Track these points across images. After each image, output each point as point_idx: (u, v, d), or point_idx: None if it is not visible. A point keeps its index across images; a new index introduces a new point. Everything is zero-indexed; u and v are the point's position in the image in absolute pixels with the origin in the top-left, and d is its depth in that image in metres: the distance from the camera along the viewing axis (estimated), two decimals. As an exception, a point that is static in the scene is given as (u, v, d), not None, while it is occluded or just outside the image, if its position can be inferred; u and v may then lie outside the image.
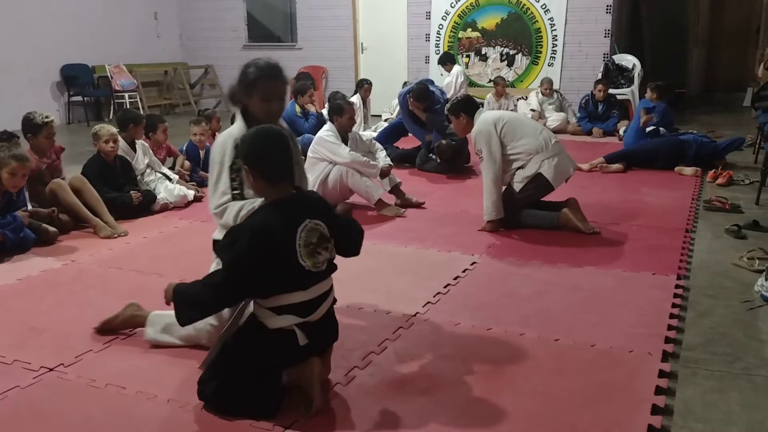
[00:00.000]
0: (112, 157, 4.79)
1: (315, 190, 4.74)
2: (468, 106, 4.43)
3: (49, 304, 3.23)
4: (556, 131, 7.61)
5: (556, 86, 9.50)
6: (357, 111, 8.12)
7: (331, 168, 4.75)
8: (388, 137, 7.01)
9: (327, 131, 4.82)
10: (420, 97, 6.35)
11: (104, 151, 4.75)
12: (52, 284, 3.52)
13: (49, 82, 10.02)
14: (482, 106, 5.32)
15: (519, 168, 4.25)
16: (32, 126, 4.53)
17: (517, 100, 9.26)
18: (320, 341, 2.30)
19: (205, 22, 12.03)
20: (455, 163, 6.24)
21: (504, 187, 4.33)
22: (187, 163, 5.74)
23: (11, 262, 3.84)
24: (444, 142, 6.10)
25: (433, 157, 6.34)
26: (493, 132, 4.20)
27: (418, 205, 4.94)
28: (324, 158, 4.76)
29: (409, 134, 7.11)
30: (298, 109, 7.24)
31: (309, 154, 4.89)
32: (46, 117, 4.57)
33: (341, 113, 4.80)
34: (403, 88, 8.86)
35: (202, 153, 5.90)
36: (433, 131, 6.39)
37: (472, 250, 3.95)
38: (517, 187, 4.26)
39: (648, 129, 6.74)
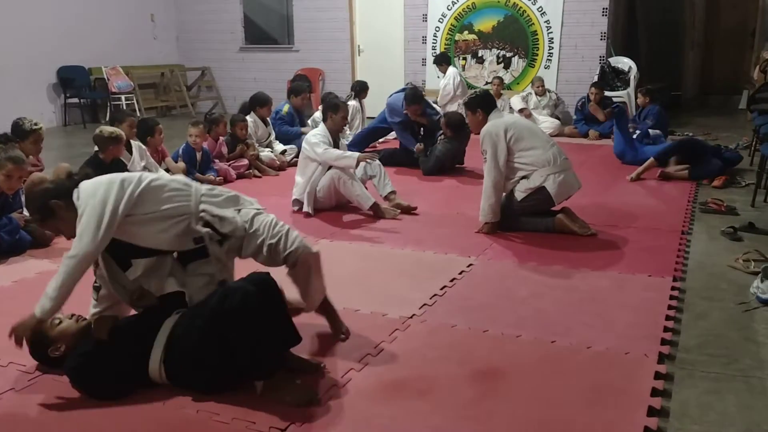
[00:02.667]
0: (110, 159, 4.80)
1: (306, 194, 4.79)
2: (485, 103, 4.42)
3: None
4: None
5: (552, 87, 9.52)
6: (356, 114, 8.16)
7: (321, 173, 4.80)
8: (363, 140, 7.06)
9: (315, 132, 4.91)
10: (415, 99, 6.36)
11: (111, 154, 4.76)
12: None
13: (46, 84, 10.01)
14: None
15: (523, 177, 4.25)
16: (20, 132, 4.57)
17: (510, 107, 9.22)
18: None
19: (201, 24, 12.02)
20: (460, 133, 6.25)
21: (505, 194, 4.33)
22: (182, 164, 5.71)
23: (7, 264, 3.84)
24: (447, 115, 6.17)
25: (438, 141, 6.37)
26: (502, 136, 4.19)
27: (410, 210, 4.91)
28: (312, 156, 4.83)
29: (383, 138, 7.37)
30: (285, 108, 7.24)
31: (301, 153, 5.02)
32: (35, 124, 4.60)
33: (336, 110, 4.86)
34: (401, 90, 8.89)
35: (198, 155, 5.88)
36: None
37: (469, 252, 3.96)
38: (519, 196, 4.25)
39: (636, 133, 6.82)
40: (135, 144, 5.20)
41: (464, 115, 4.91)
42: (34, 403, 2.33)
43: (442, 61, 9.36)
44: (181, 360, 2.31)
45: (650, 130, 7.04)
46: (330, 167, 4.79)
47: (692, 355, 2.64)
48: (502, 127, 4.22)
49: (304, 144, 4.91)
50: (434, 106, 6.72)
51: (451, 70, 9.16)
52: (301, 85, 7.47)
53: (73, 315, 2.50)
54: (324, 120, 4.94)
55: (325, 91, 9.20)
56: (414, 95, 6.40)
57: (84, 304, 2.62)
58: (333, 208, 4.92)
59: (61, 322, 2.45)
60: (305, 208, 4.84)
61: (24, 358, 2.61)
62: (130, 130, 5.15)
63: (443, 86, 9.09)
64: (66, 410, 2.28)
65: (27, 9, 9.54)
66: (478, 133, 4.37)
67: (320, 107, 7.91)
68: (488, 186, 4.24)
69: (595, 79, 8.99)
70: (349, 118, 7.99)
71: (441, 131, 6.42)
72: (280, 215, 4.83)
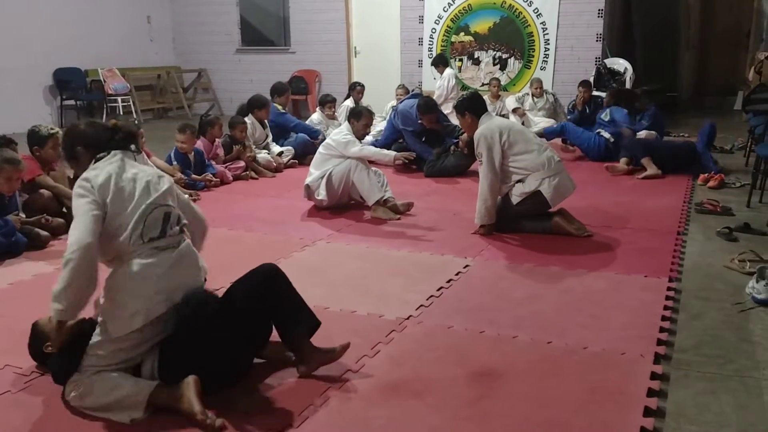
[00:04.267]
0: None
1: (322, 184, 4.84)
2: (473, 105, 4.43)
3: (41, 308, 3.20)
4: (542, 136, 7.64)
5: (548, 89, 9.53)
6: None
7: (340, 163, 4.82)
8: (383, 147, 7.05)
9: (342, 132, 4.94)
10: (429, 108, 6.41)
11: None
12: (44, 288, 3.46)
13: (42, 86, 10.00)
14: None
15: (518, 181, 4.25)
16: (38, 138, 4.53)
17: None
18: None
19: (198, 25, 12.03)
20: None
21: (500, 197, 4.34)
22: (176, 165, 5.67)
23: (3, 267, 3.83)
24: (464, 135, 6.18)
25: (451, 151, 6.40)
26: (497, 139, 4.19)
27: (406, 212, 4.92)
28: (335, 154, 4.86)
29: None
30: (279, 107, 7.23)
31: (320, 150, 5.02)
32: (51, 128, 4.57)
33: (359, 118, 4.93)
34: (397, 92, 8.88)
35: (191, 155, 5.86)
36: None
37: (465, 253, 3.96)
38: (515, 200, 4.26)
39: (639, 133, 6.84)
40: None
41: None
42: (31, 404, 2.32)
43: (440, 62, 9.36)
44: (174, 362, 2.31)
45: (645, 131, 7.05)
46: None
47: (688, 356, 2.65)
48: (496, 130, 4.22)
49: (328, 142, 4.96)
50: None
51: (447, 71, 9.17)
52: (284, 86, 7.27)
53: None
54: (348, 123, 5.01)
55: (321, 93, 9.20)
56: (428, 104, 6.44)
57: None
58: (332, 209, 4.92)
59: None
60: (319, 195, 4.87)
61: (20, 359, 2.61)
62: None
63: (437, 86, 9.10)
64: (63, 412, 2.28)
65: (24, 11, 9.53)
66: (471, 135, 4.39)
67: (318, 109, 7.98)
68: (484, 188, 4.25)
69: (590, 80, 8.99)
70: (340, 118, 8.04)
71: (455, 139, 6.41)
72: (277, 215, 4.87)
